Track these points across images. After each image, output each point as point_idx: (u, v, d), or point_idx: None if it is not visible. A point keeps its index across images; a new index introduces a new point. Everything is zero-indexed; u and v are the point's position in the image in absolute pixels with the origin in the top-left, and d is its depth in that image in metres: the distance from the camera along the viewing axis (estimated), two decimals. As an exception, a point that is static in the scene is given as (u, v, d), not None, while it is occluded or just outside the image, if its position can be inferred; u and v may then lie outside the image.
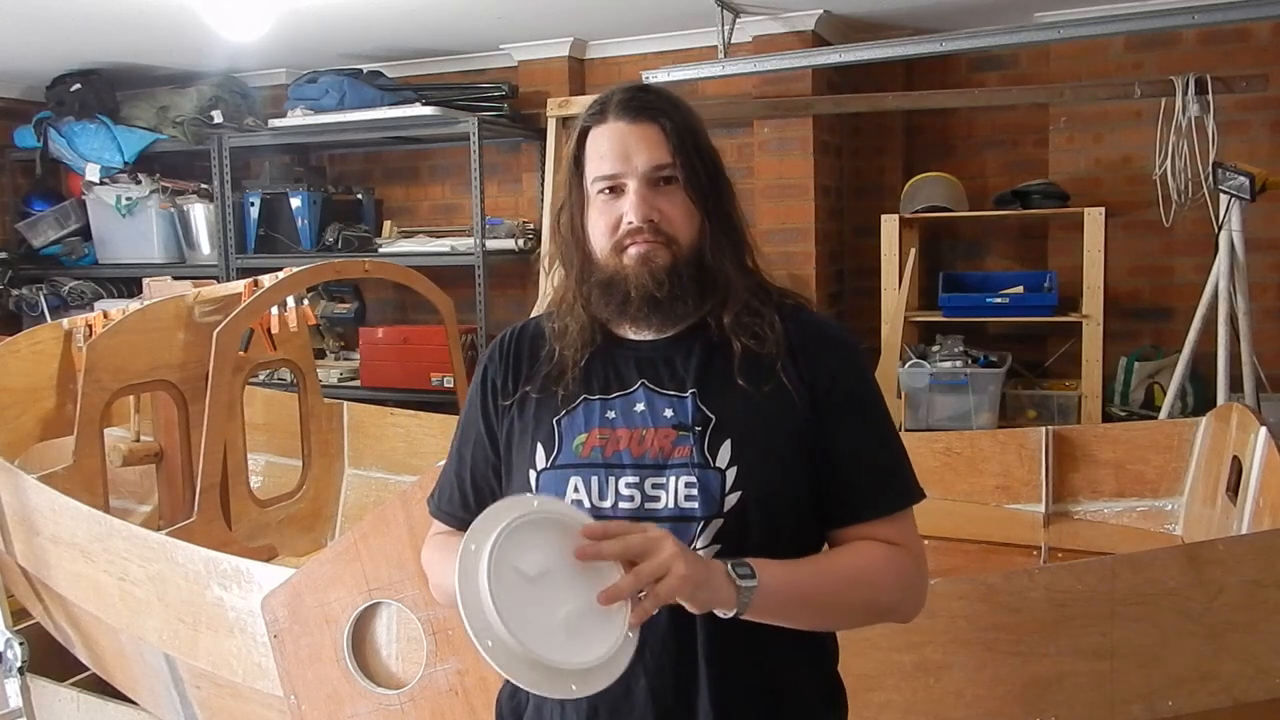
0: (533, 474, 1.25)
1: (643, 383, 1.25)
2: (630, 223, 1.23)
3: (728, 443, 1.21)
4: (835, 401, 1.24)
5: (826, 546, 1.30)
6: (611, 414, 1.25)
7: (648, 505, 1.20)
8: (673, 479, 1.20)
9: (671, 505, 1.20)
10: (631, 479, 1.21)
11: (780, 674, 1.24)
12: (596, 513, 1.21)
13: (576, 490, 1.23)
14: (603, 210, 1.25)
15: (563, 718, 1.25)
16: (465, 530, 1.31)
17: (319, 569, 1.87)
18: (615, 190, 1.24)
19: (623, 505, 1.21)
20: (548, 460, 1.25)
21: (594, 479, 1.22)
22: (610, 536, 1.07)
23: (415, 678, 1.79)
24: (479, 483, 1.35)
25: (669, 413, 1.23)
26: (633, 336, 1.29)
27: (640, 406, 1.24)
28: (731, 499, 1.19)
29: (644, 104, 1.25)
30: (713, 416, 1.22)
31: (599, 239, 1.26)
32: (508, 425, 1.31)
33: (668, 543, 1.07)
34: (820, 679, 1.31)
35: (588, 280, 1.27)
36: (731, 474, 1.20)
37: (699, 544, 1.18)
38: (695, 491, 1.19)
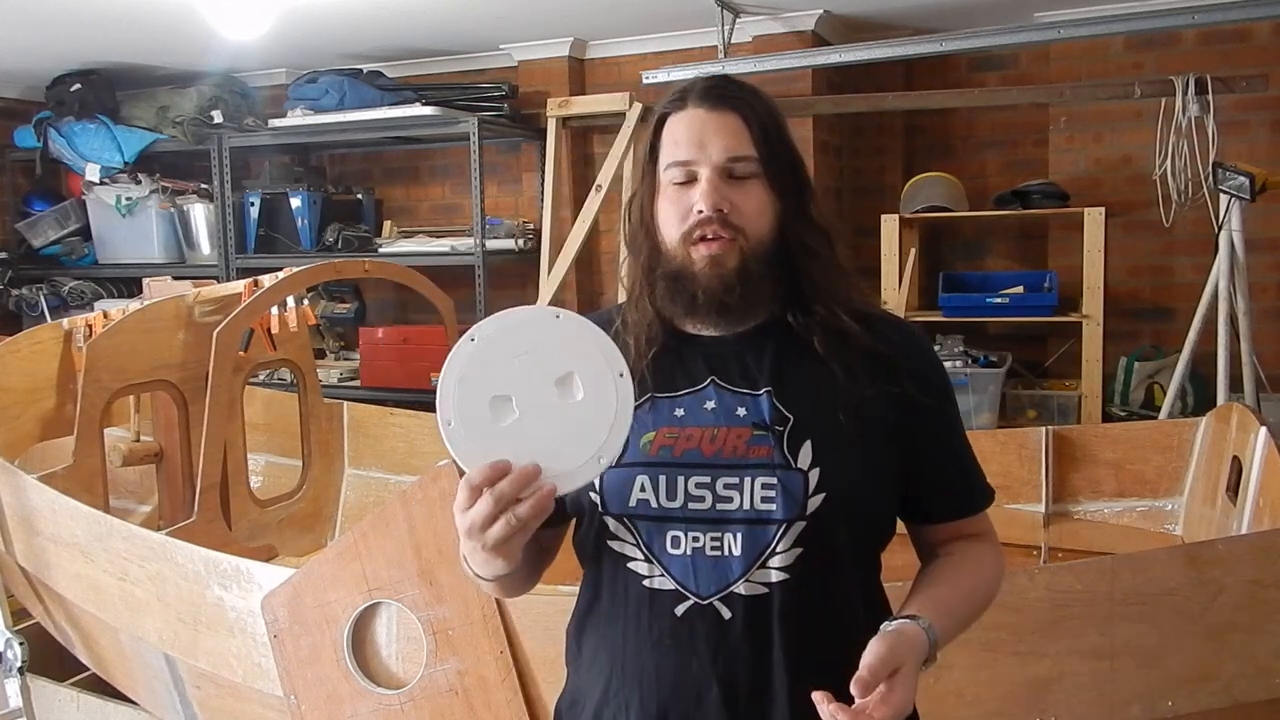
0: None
1: (713, 380, 1.21)
2: (700, 212, 1.18)
3: (808, 443, 1.16)
4: (925, 404, 1.23)
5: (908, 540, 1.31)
6: (680, 412, 1.20)
7: (719, 506, 1.16)
8: (748, 480, 1.16)
9: (747, 507, 1.16)
10: (702, 479, 1.17)
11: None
12: (664, 513, 1.18)
13: (643, 489, 1.18)
14: (674, 199, 1.21)
15: None
16: None
17: (319, 569, 1.87)
18: (689, 180, 1.20)
19: (692, 506, 1.17)
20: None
21: (661, 478, 1.18)
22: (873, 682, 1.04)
23: (415, 678, 1.79)
24: None
25: (742, 411, 1.19)
26: (701, 332, 1.25)
27: (710, 404, 1.20)
28: (815, 501, 1.15)
29: (725, 93, 1.22)
30: (791, 416, 1.18)
31: (669, 229, 1.21)
32: None
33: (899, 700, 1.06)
34: None
35: (654, 271, 1.23)
36: (814, 475, 1.15)
37: (780, 546, 1.15)
38: (774, 493, 1.15)
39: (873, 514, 1.23)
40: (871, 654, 1.06)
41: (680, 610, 1.17)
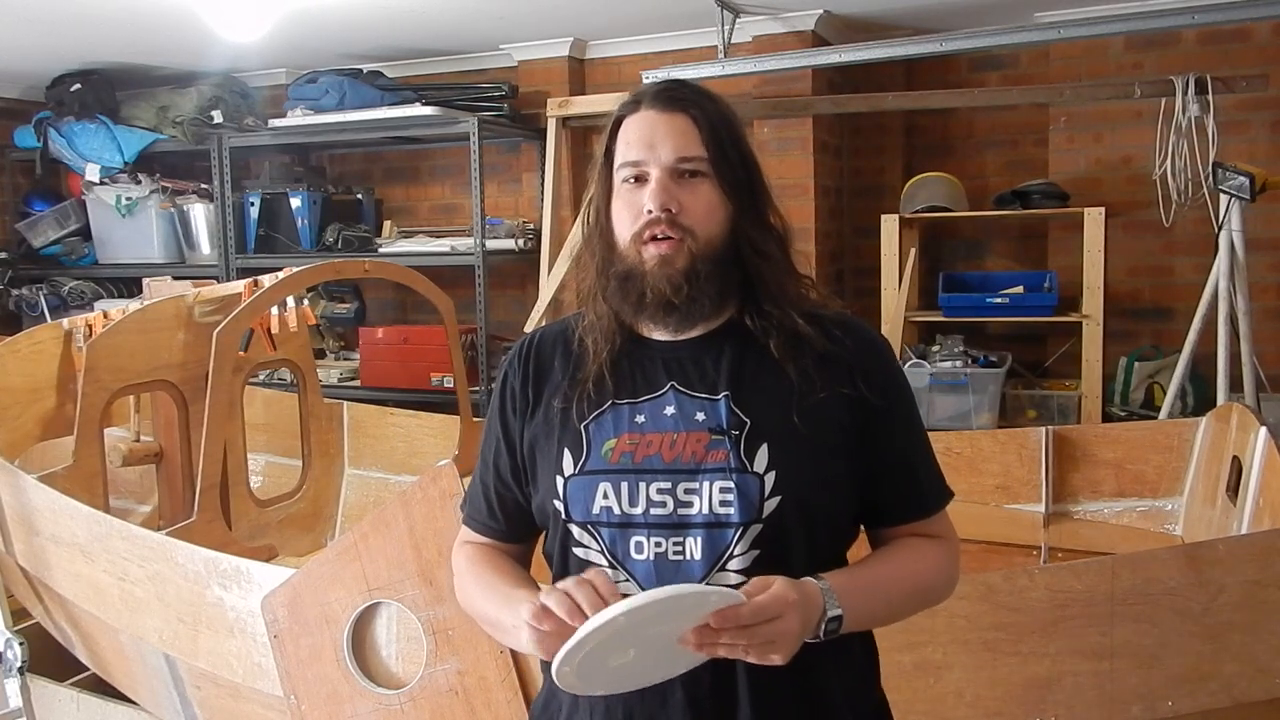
0: (560, 480, 1.23)
1: (672, 385, 1.22)
2: (649, 211, 1.19)
3: (764, 447, 1.18)
4: (877, 405, 1.23)
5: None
6: (641, 418, 1.21)
7: (680, 511, 1.18)
8: (707, 484, 1.17)
9: (706, 511, 1.17)
10: (663, 484, 1.18)
11: (824, 694, 1.22)
12: (627, 519, 1.19)
13: (606, 496, 1.20)
14: (627, 200, 1.23)
15: None
16: (493, 537, 1.35)
17: (319, 569, 1.87)
18: (639, 179, 1.22)
19: (654, 511, 1.18)
20: (575, 466, 1.22)
21: (623, 485, 1.19)
22: (740, 625, 1.04)
23: (415, 677, 1.79)
24: (502, 491, 1.34)
25: (701, 416, 1.20)
26: (659, 337, 1.26)
27: (670, 410, 1.21)
28: (771, 504, 1.17)
29: (677, 95, 1.23)
30: (748, 420, 1.19)
31: (621, 229, 1.23)
32: (531, 431, 1.29)
33: (791, 620, 1.06)
34: (865, 700, 1.29)
35: (607, 272, 1.24)
36: (770, 478, 1.17)
37: (737, 550, 1.16)
38: (732, 497, 1.17)
39: (830, 516, 1.23)
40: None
41: None
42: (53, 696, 2.59)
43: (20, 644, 2.50)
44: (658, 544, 1.18)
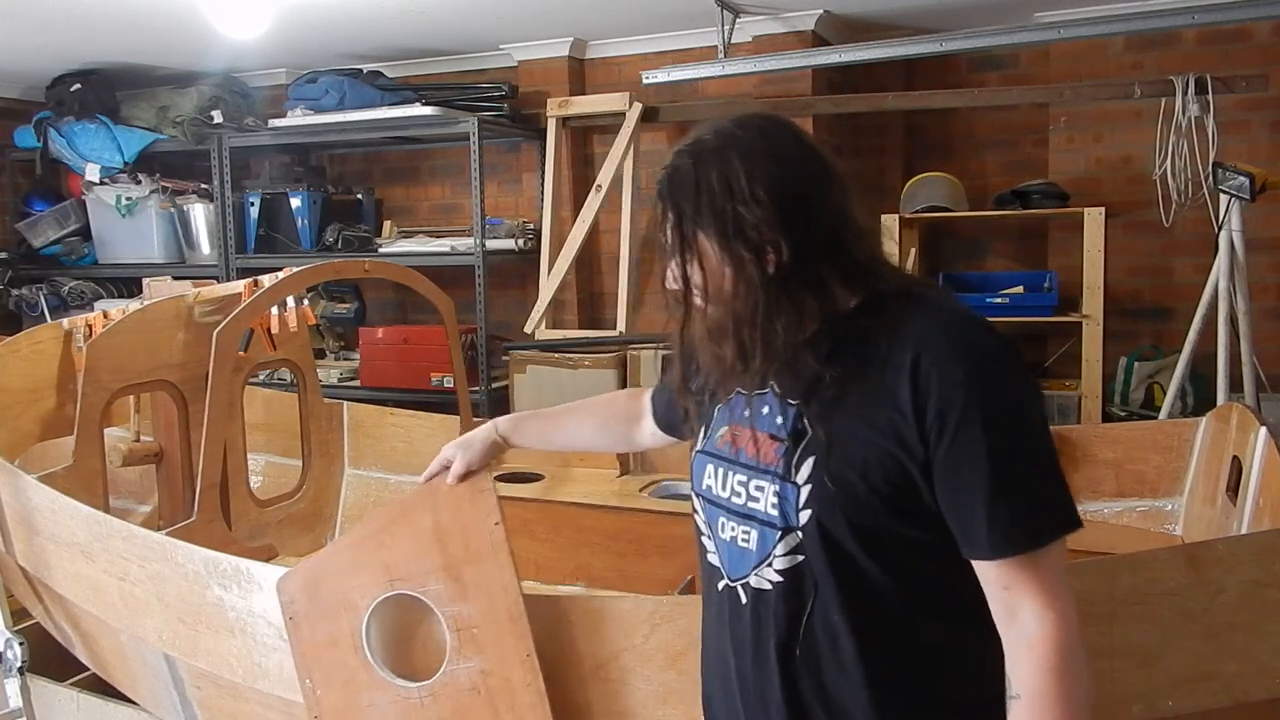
0: (693, 451, 1.36)
1: (771, 386, 1.25)
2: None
3: (811, 459, 1.19)
4: (939, 426, 1.12)
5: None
6: (747, 412, 1.27)
7: (749, 505, 1.25)
8: (769, 485, 1.23)
9: (762, 510, 1.24)
10: (742, 477, 1.26)
11: None
12: (718, 500, 1.29)
13: (709, 476, 1.31)
14: None
15: None
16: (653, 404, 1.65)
17: (339, 555, 1.86)
18: None
19: (734, 500, 1.27)
20: (700, 443, 1.34)
21: (721, 470, 1.29)
22: None
23: (436, 673, 1.78)
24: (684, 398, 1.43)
25: (779, 420, 1.24)
26: None
27: (765, 409, 1.26)
28: (804, 515, 1.19)
29: (659, 190, 1.24)
30: (808, 430, 1.20)
31: None
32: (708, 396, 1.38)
33: None
34: None
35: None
36: (806, 490, 1.19)
37: (778, 551, 1.22)
38: (778, 501, 1.22)
39: (865, 537, 1.17)
40: None
41: (720, 586, 1.30)
42: (53, 696, 2.59)
43: (20, 644, 2.50)
44: (732, 528, 1.27)
